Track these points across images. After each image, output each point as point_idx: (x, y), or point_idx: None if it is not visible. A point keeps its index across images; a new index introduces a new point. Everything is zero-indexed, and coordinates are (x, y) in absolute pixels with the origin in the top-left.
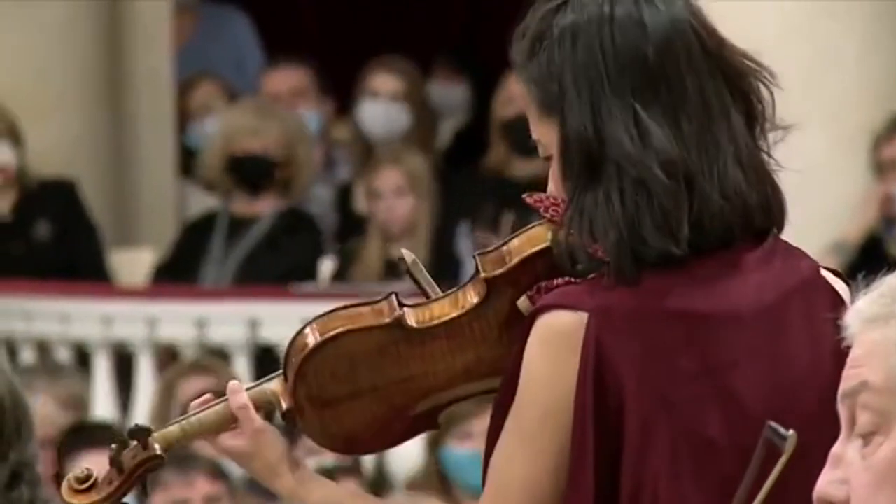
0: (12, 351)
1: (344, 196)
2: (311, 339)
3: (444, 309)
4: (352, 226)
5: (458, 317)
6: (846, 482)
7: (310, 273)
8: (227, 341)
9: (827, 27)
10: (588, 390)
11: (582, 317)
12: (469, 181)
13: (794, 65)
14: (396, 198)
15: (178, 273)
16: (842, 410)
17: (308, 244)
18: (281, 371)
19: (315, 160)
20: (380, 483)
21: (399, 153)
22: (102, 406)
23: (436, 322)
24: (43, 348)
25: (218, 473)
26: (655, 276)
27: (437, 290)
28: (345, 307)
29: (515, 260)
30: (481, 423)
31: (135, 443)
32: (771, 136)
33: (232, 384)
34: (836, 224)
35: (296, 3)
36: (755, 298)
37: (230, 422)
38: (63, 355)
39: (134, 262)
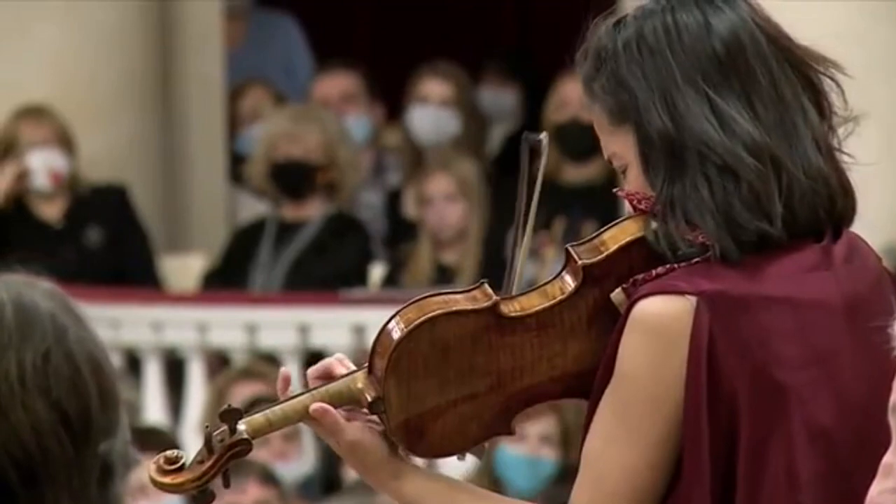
0: None
1: (394, 202)
2: (405, 323)
3: (537, 299)
4: (402, 231)
5: (552, 306)
6: None
7: (359, 278)
8: (278, 347)
9: (882, 31)
10: (701, 376)
11: (690, 301)
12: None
13: (848, 70)
14: (447, 204)
15: (229, 279)
16: (892, 421)
17: (356, 248)
18: (364, 366)
19: (363, 164)
20: None
21: (449, 159)
22: (153, 411)
23: (529, 311)
24: None
25: (269, 479)
26: (759, 262)
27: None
28: (436, 294)
29: (612, 248)
30: (536, 426)
31: (224, 427)
32: (841, 131)
33: (315, 407)
34: (891, 226)
35: (347, 8)
36: (851, 290)
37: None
38: (114, 361)
39: (184, 268)
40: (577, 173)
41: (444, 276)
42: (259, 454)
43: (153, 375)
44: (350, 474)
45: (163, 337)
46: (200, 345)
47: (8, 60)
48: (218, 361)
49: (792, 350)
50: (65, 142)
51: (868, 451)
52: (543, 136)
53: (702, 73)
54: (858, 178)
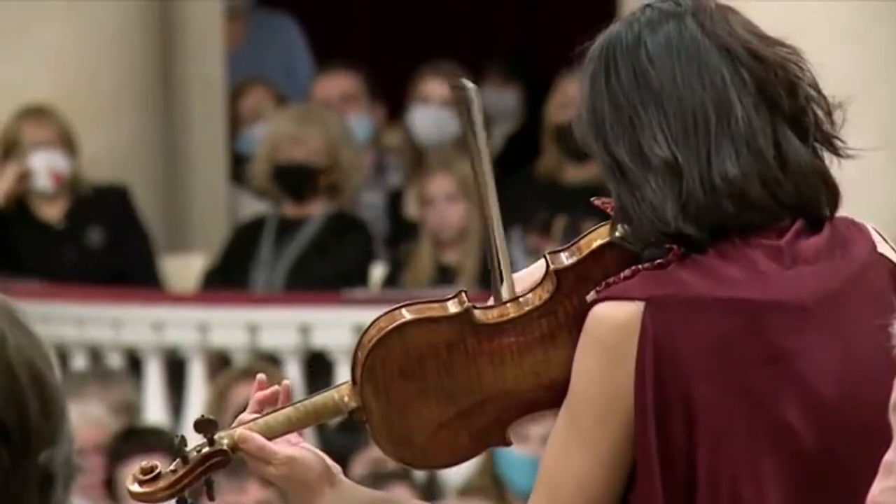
0: (64, 357)
1: (395, 202)
2: (376, 331)
3: (514, 307)
4: (403, 231)
5: (528, 312)
6: None
7: (360, 277)
8: (279, 347)
9: (882, 31)
10: (647, 382)
11: (638, 306)
12: (521, 187)
13: (849, 70)
14: (448, 204)
15: (229, 277)
16: (893, 420)
17: (357, 248)
18: (350, 379)
19: (365, 165)
20: (431, 489)
21: (450, 159)
22: (154, 412)
23: (505, 318)
24: (95, 354)
25: None
26: (718, 264)
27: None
28: (412, 303)
29: (585, 252)
30: (538, 427)
31: (201, 438)
32: (823, 116)
33: (241, 433)
34: (892, 225)
35: (347, 8)
36: (820, 287)
37: (298, 424)
38: (115, 361)
39: (186, 268)
40: (578, 173)
41: (445, 276)
42: None
43: (154, 376)
44: (352, 473)
45: (164, 337)
46: (201, 345)
47: (9, 61)
48: (219, 361)
49: (749, 350)
50: (66, 142)
51: (841, 449)
52: (470, 85)
53: (627, 95)
54: (858, 176)
